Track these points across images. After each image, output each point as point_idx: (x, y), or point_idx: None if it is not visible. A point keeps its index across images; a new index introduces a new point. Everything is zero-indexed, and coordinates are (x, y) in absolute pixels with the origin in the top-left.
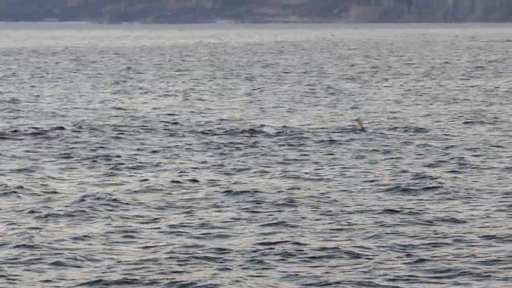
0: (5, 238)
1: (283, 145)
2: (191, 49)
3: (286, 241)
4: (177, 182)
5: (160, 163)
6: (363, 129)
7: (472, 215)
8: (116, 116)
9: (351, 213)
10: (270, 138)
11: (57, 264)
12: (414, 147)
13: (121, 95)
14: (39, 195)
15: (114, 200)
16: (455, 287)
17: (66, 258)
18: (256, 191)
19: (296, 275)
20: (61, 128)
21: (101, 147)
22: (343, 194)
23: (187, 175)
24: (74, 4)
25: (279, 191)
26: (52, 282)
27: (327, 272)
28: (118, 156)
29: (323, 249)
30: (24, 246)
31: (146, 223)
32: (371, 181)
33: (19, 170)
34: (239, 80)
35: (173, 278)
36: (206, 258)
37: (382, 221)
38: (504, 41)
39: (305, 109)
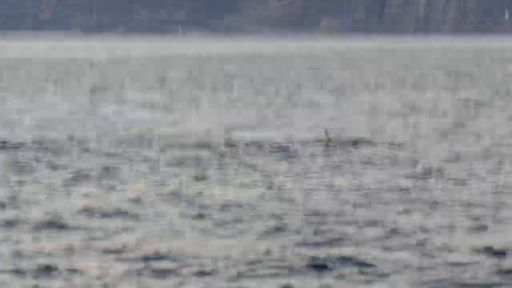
0: None
1: (250, 156)
2: (163, 60)
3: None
4: (156, 194)
5: (137, 174)
6: (329, 141)
7: (437, 226)
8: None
9: (315, 224)
10: (241, 149)
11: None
12: (381, 158)
13: (98, 105)
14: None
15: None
16: None
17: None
18: (218, 203)
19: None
20: (39, 142)
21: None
22: (307, 206)
23: (163, 187)
24: (47, 14)
25: (240, 203)
26: None
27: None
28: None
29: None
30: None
31: (118, 234)
32: (335, 192)
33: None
34: (214, 91)
35: None
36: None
37: (347, 232)
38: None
39: (275, 120)
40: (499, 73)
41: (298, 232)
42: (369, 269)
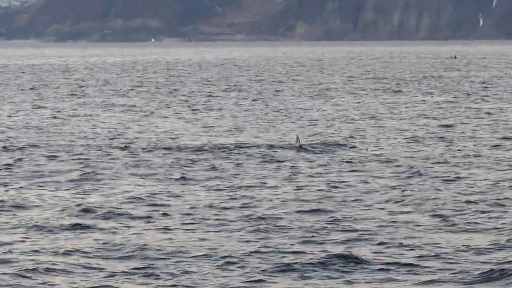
0: None
1: (223, 160)
2: (132, 66)
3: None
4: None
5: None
6: (301, 147)
7: (410, 235)
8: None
9: (284, 229)
10: (212, 154)
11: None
12: (351, 164)
13: (78, 110)
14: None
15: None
16: None
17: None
18: (192, 206)
19: None
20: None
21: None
22: (277, 210)
23: (139, 191)
24: (21, 22)
25: (210, 207)
26: None
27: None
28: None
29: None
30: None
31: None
32: (304, 197)
33: None
34: (189, 97)
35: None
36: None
37: (318, 237)
38: (450, 58)
39: (247, 125)
40: (469, 78)
41: (259, 232)
42: (333, 268)
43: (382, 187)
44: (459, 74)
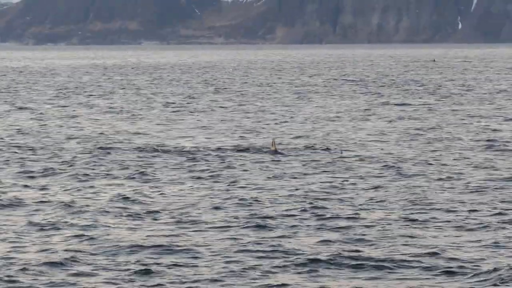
0: None
1: (196, 162)
2: (112, 68)
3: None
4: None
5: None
6: (276, 150)
7: (379, 237)
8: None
9: (256, 230)
10: (186, 157)
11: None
12: (327, 166)
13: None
14: None
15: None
16: None
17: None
18: (162, 209)
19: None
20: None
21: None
22: (253, 213)
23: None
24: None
25: (186, 209)
26: None
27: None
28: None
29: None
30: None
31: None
32: (281, 199)
33: None
34: (164, 99)
35: None
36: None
37: (294, 240)
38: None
39: (222, 128)
40: (448, 80)
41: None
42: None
43: (359, 187)
44: (439, 77)
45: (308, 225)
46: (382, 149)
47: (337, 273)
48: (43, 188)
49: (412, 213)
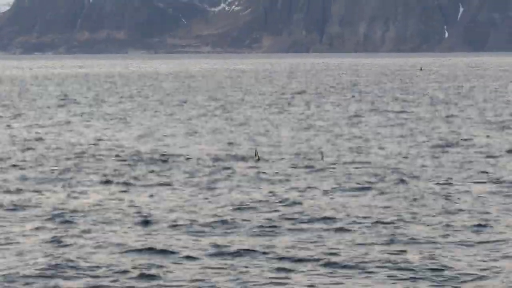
0: None
1: (177, 171)
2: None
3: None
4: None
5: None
6: (259, 159)
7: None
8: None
9: (239, 236)
10: (167, 165)
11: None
12: (308, 174)
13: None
14: None
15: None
16: None
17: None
18: (150, 214)
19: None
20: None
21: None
22: (232, 221)
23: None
24: None
25: (167, 215)
26: None
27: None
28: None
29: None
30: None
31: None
32: (265, 205)
33: None
34: (144, 107)
35: None
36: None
37: (273, 245)
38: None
39: (205, 136)
40: (435, 88)
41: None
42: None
43: (344, 191)
44: (425, 85)
45: (288, 229)
46: (366, 155)
47: (314, 273)
48: (35, 191)
49: (399, 214)
